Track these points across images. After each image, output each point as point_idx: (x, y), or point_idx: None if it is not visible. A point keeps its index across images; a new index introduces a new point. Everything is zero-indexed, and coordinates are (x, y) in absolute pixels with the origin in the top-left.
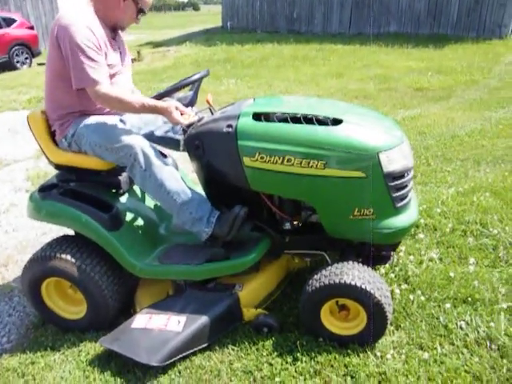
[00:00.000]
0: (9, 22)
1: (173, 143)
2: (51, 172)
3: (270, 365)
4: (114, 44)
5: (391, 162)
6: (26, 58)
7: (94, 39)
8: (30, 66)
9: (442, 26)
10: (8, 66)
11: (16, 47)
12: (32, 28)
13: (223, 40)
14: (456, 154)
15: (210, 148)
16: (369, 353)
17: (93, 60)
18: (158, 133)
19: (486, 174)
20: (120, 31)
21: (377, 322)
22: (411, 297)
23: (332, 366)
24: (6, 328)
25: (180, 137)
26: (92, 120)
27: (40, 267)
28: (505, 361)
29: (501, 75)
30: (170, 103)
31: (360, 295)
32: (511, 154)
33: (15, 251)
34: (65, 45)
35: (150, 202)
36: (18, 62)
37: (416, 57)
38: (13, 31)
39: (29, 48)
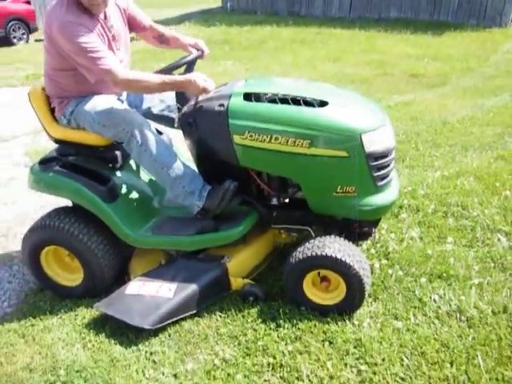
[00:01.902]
0: None
1: (168, 121)
2: (50, 148)
3: (255, 330)
4: (103, 28)
5: (373, 143)
6: (23, 34)
7: (87, 31)
8: (27, 41)
9: (442, 13)
10: (5, 41)
11: (13, 22)
12: (29, 3)
13: (222, 21)
14: (445, 140)
15: (203, 126)
16: (347, 321)
17: (95, 51)
18: (154, 111)
19: (472, 160)
20: (101, 15)
21: (355, 292)
22: (390, 271)
23: (312, 332)
24: (7, 294)
25: (175, 115)
26: (90, 99)
27: (39, 236)
28: (471, 330)
29: (497, 64)
30: (191, 74)
31: (340, 267)
32: (498, 141)
33: (14, 223)
34: (63, 47)
35: (144, 177)
36: (14, 37)
37: (414, 43)
38: (10, 5)
39: (26, 24)
